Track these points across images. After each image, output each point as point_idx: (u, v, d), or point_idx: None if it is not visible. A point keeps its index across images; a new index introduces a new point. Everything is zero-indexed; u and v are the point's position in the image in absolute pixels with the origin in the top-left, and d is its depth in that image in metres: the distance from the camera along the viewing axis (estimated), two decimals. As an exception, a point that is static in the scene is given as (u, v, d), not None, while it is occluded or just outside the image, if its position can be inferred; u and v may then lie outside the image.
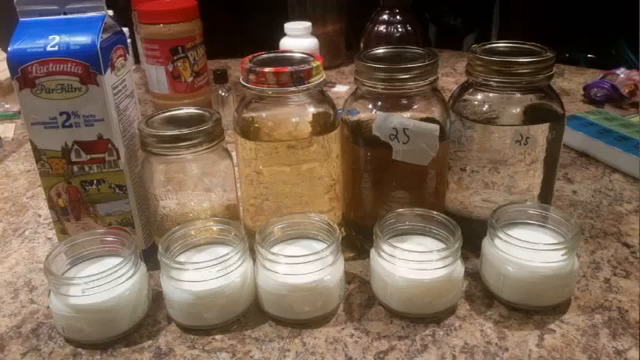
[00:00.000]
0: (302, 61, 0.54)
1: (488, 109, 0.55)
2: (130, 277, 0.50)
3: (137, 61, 1.25)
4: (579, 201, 0.70)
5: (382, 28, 1.11)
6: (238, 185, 0.60)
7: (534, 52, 0.54)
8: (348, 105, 0.56)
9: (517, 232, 0.52)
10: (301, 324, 0.51)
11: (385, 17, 1.11)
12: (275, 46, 1.13)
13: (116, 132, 0.53)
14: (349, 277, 0.57)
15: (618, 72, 1.01)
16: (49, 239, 0.67)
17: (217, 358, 0.48)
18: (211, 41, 1.04)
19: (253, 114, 0.55)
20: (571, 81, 1.13)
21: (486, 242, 0.54)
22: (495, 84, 0.54)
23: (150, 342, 0.50)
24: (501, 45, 0.57)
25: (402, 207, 0.55)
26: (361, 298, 0.54)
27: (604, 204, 0.69)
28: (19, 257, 0.63)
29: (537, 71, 0.52)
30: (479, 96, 0.56)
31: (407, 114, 0.54)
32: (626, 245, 0.61)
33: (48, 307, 0.53)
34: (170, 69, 0.98)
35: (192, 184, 0.56)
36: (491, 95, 0.55)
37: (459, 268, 0.51)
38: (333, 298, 0.52)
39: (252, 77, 0.52)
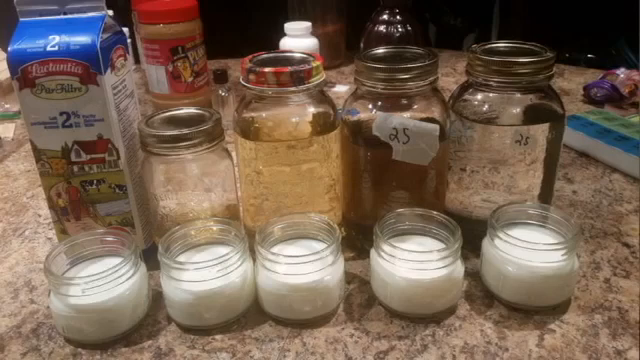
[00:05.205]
0: (302, 61, 0.54)
1: (488, 109, 0.55)
2: (130, 277, 0.50)
3: (137, 61, 1.25)
4: (579, 201, 0.70)
5: (382, 28, 1.11)
6: (238, 185, 0.60)
7: (534, 52, 0.54)
8: (348, 105, 0.56)
9: (517, 232, 0.52)
10: (301, 324, 0.51)
11: (385, 17, 1.11)
12: (275, 46, 1.13)
13: (116, 132, 0.53)
14: (349, 277, 0.57)
15: (618, 72, 1.01)
16: (49, 239, 0.67)
17: (217, 358, 0.48)
18: (211, 41, 1.04)
19: (253, 114, 0.55)
20: (571, 81, 1.13)
21: (486, 242, 0.54)
22: (495, 84, 0.54)
23: (150, 342, 0.50)
24: (501, 45, 0.57)
25: (402, 207, 0.55)
26: (361, 298, 0.54)
27: (604, 204, 0.69)
28: (19, 257, 0.63)
29: (537, 71, 0.52)
30: (479, 96, 0.56)
31: (407, 114, 0.54)
32: (626, 245, 0.61)
33: (48, 307, 0.53)
34: (170, 69, 0.98)
35: (192, 184, 0.56)
36: (491, 95, 0.55)
37: (459, 268, 0.51)
38: (333, 298, 0.52)
39: (252, 77, 0.52)
